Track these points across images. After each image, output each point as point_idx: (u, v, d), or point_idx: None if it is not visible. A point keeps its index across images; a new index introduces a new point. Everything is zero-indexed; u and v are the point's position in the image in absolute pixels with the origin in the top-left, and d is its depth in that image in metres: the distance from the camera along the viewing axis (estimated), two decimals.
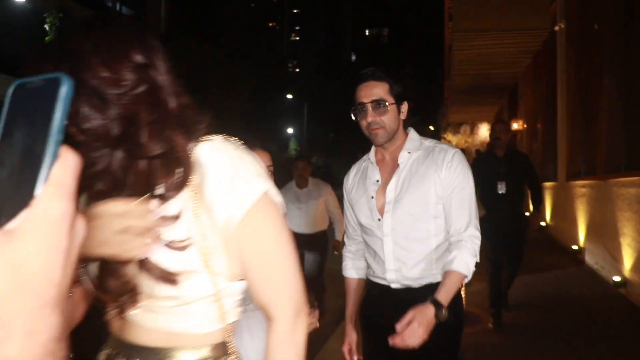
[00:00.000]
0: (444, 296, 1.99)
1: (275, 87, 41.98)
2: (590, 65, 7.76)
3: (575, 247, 8.10)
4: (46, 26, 14.99)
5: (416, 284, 2.12)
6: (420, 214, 2.10)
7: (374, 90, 2.11)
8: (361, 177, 2.29)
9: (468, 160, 2.26)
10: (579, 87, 8.46)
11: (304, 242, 5.29)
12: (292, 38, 79.25)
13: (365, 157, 2.34)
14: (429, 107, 30.59)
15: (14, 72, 17.33)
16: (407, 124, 2.23)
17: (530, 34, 9.51)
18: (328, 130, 40.49)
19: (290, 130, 44.09)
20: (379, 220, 2.16)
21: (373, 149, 2.28)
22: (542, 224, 10.61)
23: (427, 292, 2.05)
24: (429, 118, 32.96)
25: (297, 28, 78.94)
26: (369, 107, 2.11)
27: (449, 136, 21.67)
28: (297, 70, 70.88)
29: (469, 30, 9.42)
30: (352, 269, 2.37)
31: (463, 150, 15.28)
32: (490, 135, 5.48)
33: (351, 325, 2.31)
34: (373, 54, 60.00)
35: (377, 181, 2.21)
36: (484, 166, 5.22)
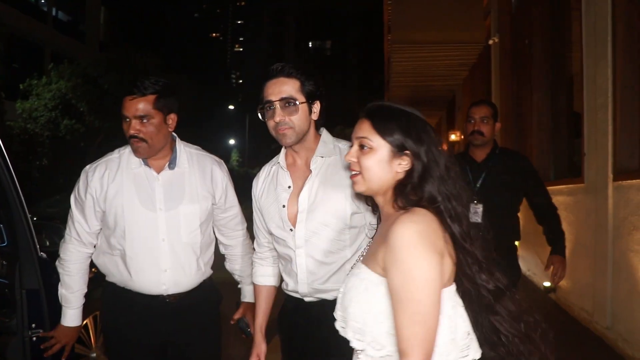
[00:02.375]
0: None
1: (218, 98, 41.58)
2: (521, 79, 8.01)
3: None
4: None
5: (330, 296, 1.97)
6: (335, 225, 1.96)
7: (283, 88, 1.92)
8: (271, 182, 2.10)
9: None
10: (511, 99, 8.71)
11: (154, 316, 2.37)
12: (236, 49, 78.87)
13: (274, 159, 2.15)
14: None
15: None
16: (319, 124, 2.06)
17: (466, 47, 9.73)
18: (270, 141, 40.31)
19: (232, 142, 43.73)
20: (291, 230, 1.99)
21: (283, 151, 2.09)
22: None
23: None
24: None
25: (240, 39, 78.64)
26: (277, 106, 1.92)
27: None
28: (240, 81, 70.57)
29: (406, 42, 9.55)
30: (262, 276, 2.20)
31: None
32: (465, 126, 3.43)
33: (260, 335, 2.14)
34: (316, 66, 60.23)
35: (289, 187, 2.03)
36: None
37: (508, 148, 3.96)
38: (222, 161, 2.52)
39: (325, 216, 1.95)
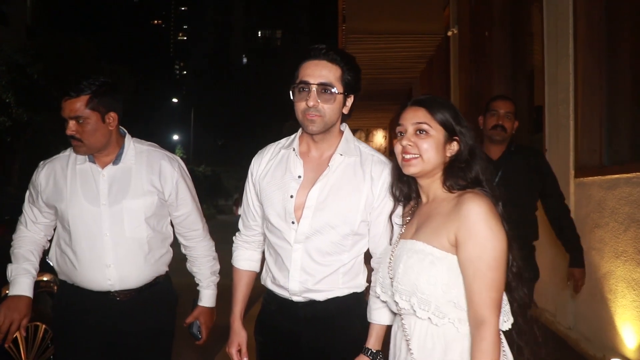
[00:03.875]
0: (375, 342, 1.96)
1: (160, 90, 40.88)
2: (481, 72, 8.17)
3: None
4: None
5: (321, 297, 1.99)
6: (341, 228, 1.96)
7: (324, 72, 1.92)
8: (278, 166, 2.06)
9: None
10: (470, 93, 8.88)
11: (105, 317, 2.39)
12: (180, 38, 77.74)
13: (285, 141, 2.11)
14: None
15: None
16: (344, 119, 2.05)
17: (424, 38, 9.87)
18: (217, 136, 39.91)
19: (175, 137, 43.09)
20: (293, 223, 1.97)
21: (298, 135, 2.07)
22: None
23: (331, 306, 1.99)
24: None
25: (184, 27, 77.53)
26: (314, 90, 1.91)
27: None
28: (184, 72, 69.60)
29: (362, 32, 9.61)
30: (246, 260, 2.19)
31: None
32: (486, 119, 3.44)
33: (240, 323, 2.14)
34: (265, 56, 60.22)
35: (299, 177, 2.00)
36: None
37: (523, 144, 3.97)
38: (177, 157, 2.56)
39: (333, 218, 1.95)
